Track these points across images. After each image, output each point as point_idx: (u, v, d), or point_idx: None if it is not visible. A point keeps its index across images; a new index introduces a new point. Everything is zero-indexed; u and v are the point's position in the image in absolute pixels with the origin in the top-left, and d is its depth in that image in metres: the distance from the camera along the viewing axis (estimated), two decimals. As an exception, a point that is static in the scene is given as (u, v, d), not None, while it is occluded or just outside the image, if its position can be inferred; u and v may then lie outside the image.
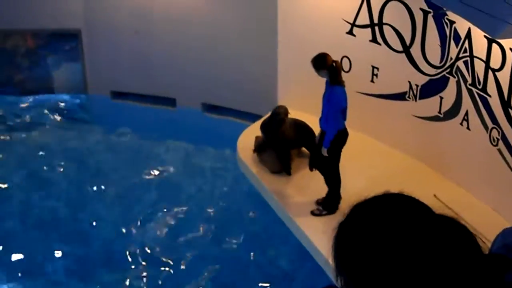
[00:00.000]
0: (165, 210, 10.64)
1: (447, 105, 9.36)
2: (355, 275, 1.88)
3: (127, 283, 9.59)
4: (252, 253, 9.89)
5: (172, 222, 10.44)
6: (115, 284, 9.58)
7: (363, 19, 10.06)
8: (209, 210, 10.62)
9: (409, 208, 1.93)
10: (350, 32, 10.28)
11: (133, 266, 9.82)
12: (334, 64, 8.66)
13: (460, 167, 9.39)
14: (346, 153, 9.12)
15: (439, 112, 9.50)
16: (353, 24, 10.21)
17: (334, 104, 8.62)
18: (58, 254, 10.04)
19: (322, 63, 8.69)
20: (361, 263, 1.87)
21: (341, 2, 10.28)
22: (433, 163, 9.73)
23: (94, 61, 13.05)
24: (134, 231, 10.30)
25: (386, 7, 9.73)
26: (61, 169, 11.48)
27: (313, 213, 9.03)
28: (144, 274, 9.71)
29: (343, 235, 1.94)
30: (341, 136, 8.81)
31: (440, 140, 9.61)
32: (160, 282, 9.64)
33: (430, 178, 9.56)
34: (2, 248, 10.07)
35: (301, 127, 9.89)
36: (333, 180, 8.94)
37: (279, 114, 9.77)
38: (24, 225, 10.45)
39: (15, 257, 9.98)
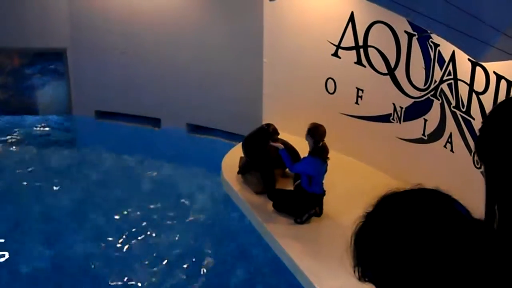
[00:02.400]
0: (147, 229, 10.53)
1: (431, 127, 9.39)
2: (376, 268, 1.89)
3: None
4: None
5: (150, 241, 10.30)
6: None
7: (348, 41, 10.11)
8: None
9: (441, 206, 1.95)
10: (335, 54, 10.32)
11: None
12: (321, 144, 9.05)
13: (443, 189, 9.38)
14: (330, 173, 9.15)
15: (423, 135, 9.53)
16: (338, 46, 10.25)
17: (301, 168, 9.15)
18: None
19: (314, 133, 9.06)
20: (383, 257, 1.87)
21: (326, 24, 10.32)
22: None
23: (79, 80, 13.03)
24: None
25: (371, 30, 9.78)
26: (40, 186, 11.38)
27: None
28: None
29: (367, 226, 1.95)
30: (309, 198, 9.12)
31: (424, 162, 9.62)
32: None
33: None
34: None
35: (286, 147, 9.83)
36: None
37: (266, 130, 9.74)
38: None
39: None
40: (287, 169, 9.97)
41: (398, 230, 1.88)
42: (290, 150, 9.70)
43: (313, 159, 9.03)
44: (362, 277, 1.92)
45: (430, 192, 1.98)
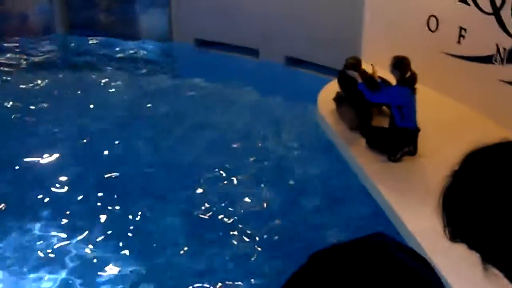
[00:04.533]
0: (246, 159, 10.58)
1: (535, 71, 9.16)
2: (468, 228, 1.83)
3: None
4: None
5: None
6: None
7: (454, -22, 9.87)
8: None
9: None
10: (440, -9, 10.11)
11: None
12: (411, 73, 8.96)
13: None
14: (425, 112, 9.07)
15: (526, 78, 9.31)
16: (443, -17, 10.03)
17: (390, 99, 9.06)
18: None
19: (399, 66, 8.92)
20: (475, 216, 1.81)
21: (432, -41, 10.10)
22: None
23: (181, 8, 13.17)
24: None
25: (479, -33, 9.51)
26: (142, 110, 11.60)
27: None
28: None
29: (456, 185, 1.86)
30: (403, 134, 9.00)
31: (526, 106, 9.42)
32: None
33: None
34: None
35: (385, 84, 9.73)
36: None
37: (345, 66, 9.70)
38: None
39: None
40: (384, 107, 9.93)
41: (490, 188, 1.79)
42: (384, 83, 9.61)
43: (400, 88, 8.94)
44: (453, 238, 1.86)
45: None
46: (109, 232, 8.55)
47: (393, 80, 9.26)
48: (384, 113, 9.95)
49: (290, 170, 9.83)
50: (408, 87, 8.94)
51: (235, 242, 8.47)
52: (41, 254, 8.17)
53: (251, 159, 10.15)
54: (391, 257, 1.44)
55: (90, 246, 8.31)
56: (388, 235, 1.51)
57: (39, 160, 10.04)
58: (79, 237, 8.46)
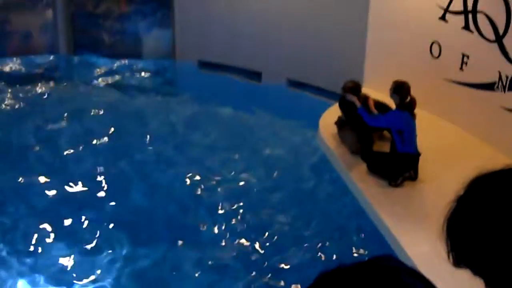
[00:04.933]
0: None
1: (537, 99, 9.17)
2: (472, 254, 1.82)
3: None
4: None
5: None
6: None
7: (457, 5, 9.91)
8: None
9: None
10: (443, 18, 10.15)
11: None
12: (410, 98, 8.99)
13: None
14: (427, 137, 9.07)
15: (528, 106, 9.32)
16: (447, 10, 10.07)
17: (390, 123, 9.09)
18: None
19: (399, 90, 8.94)
20: (479, 242, 1.80)
21: (436, -14, 10.16)
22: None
23: (184, 28, 13.23)
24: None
25: (482, -5, 9.56)
26: (144, 134, 11.62)
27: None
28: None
29: (460, 210, 1.87)
30: (404, 159, 9.00)
31: (526, 134, 9.42)
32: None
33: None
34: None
35: (384, 109, 9.74)
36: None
37: (343, 89, 9.69)
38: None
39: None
40: (385, 132, 9.93)
41: (494, 213, 1.80)
42: (384, 108, 9.61)
43: (400, 112, 8.95)
44: (457, 263, 1.86)
45: None
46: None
47: (393, 105, 9.28)
48: (385, 138, 9.96)
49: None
50: (408, 112, 8.95)
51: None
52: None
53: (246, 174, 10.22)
54: (402, 284, 1.43)
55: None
56: (396, 258, 1.51)
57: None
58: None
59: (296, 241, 8.98)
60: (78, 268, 8.50)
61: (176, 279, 8.40)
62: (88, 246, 8.85)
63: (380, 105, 9.70)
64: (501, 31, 9.42)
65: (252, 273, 8.45)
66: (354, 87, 9.66)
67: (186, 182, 10.18)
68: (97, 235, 9.01)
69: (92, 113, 11.89)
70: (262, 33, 12.43)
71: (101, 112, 11.93)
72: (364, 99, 9.52)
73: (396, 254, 8.02)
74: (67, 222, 9.27)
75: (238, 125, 11.76)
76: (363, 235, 8.96)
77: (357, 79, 10.64)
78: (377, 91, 10.57)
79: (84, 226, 9.22)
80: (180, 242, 9.00)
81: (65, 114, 11.76)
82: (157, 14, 13.93)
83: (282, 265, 8.60)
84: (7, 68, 13.98)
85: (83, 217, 9.33)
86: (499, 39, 9.47)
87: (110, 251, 8.77)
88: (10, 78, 13.53)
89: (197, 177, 10.24)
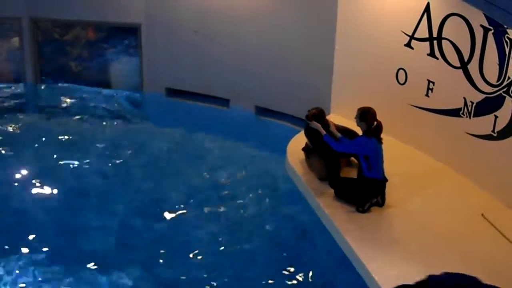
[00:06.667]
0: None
1: (501, 124, 9.24)
2: None
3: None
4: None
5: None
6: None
7: (423, 32, 10.01)
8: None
9: None
10: (408, 45, 10.24)
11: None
12: (376, 123, 9.00)
13: (510, 188, 9.26)
14: (394, 163, 9.10)
15: (493, 131, 9.38)
16: (412, 37, 10.16)
17: (356, 149, 9.11)
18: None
19: (365, 117, 8.97)
20: None
21: (401, 14, 10.25)
22: (483, 181, 9.60)
23: (152, 57, 13.21)
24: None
25: (447, 22, 9.65)
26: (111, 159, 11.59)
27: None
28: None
29: None
30: (371, 185, 9.03)
31: (492, 159, 9.48)
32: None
33: (479, 197, 9.44)
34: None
35: (349, 134, 9.75)
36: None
37: (307, 117, 9.71)
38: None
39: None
40: (352, 158, 9.95)
41: None
42: (350, 135, 9.62)
43: (367, 138, 8.98)
44: None
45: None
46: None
47: (359, 130, 9.30)
48: (352, 164, 9.97)
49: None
50: (375, 137, 8.98)
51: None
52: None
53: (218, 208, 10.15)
54: None
55: None
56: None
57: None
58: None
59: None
60: None
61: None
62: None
63: (344, 130, 9.74)
64: (466, 58, 9.52)
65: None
66: (318, 115, 9.67)
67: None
68: None
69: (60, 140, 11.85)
70: (229, 61, 12.44)
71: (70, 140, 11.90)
72: (326, 125, 9.55)
73: (363, 280, 8.01)
74: None
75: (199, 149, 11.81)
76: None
77: (325, 106, 10.70)
78: (345, 117, 10.62)
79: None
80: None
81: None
82: (124, 42, 13.88)
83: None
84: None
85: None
86: (464, 66, 9.57)
87: None
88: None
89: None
